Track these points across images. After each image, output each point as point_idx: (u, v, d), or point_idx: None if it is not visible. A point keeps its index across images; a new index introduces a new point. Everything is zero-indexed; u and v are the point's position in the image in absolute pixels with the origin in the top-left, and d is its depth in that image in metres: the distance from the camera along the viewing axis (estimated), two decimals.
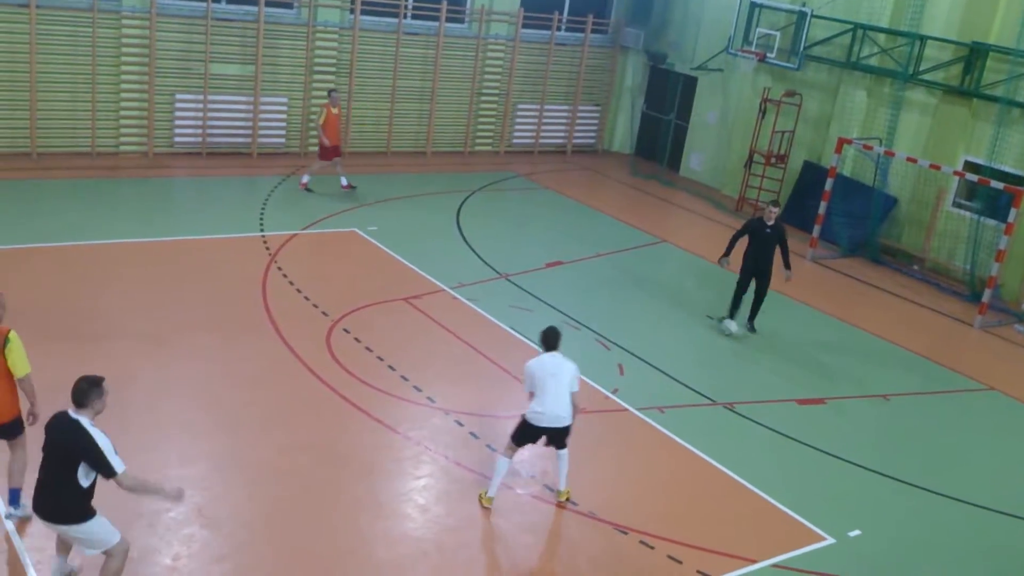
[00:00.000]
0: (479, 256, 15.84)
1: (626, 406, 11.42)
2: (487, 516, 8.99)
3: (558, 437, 8.98)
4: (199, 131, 19.05)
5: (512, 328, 13.13)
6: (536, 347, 12.50)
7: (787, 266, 13.94)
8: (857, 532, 9.51)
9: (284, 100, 19.83)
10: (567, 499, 9.25)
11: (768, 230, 13.77)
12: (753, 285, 14.05)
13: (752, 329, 14.31)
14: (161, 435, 9.51)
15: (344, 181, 18.10)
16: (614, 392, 11.72)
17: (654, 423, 11.12)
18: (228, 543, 8.13)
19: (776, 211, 13.86)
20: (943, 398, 13.08)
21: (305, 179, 17.83)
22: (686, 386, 12.17)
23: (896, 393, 12.92)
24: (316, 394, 10.70)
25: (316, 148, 19.27)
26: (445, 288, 14.20)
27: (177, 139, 19.05)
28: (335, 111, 17.60)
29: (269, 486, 8.98)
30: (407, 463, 9.71)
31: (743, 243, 14.00)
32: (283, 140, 20.05)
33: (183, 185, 17.66)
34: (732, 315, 14.19)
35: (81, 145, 17.99)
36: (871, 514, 9.89)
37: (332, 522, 8.58)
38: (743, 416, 11.61)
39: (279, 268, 14.05)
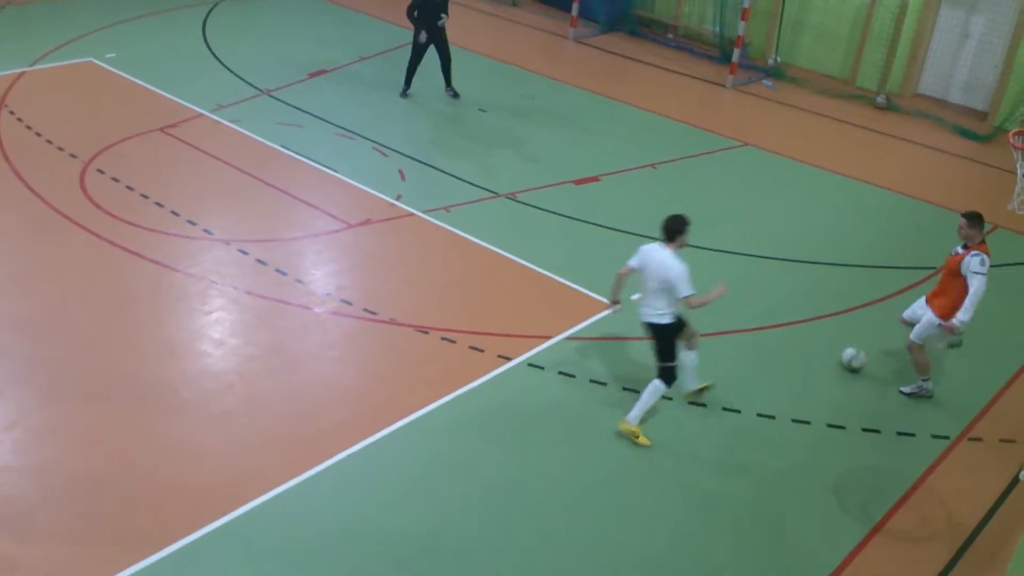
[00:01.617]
0: (235, 73, 14.91)
1: (412, 211, 11.38)
2: (290, 340, 8.90)
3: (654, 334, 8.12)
4: None
5: (283, 147, 12.61)
6: (312, 163, 12.23)
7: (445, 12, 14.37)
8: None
9: None
10: (628, 434, 8.06)
11: None
12: (433, 52, 14.57)
13: (454, 93, 14.79)
14: None
15: None
16: (398, 198, 11.62)
17: (441, 223, 11.17)
18: (14, 409, 7.70)
19: None
20: (705, 159, 13.81)
21: None
22: (467, 182, 12.23)
23: (663, 161, 13.52)
24: (79, 243, 9.99)
25: None
26: (203, 112, 13.35)
27: None
28: None
29: (47, 345, 8.47)
30: (194, 300, 9.37)
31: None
32: None
33: None
34: (409, 85, 14.64)
35: None
36: None
37: (125, 370, 8.26)
38: (525, 204, 11.85)
39: (11, 112, 12.70)
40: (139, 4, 17.60)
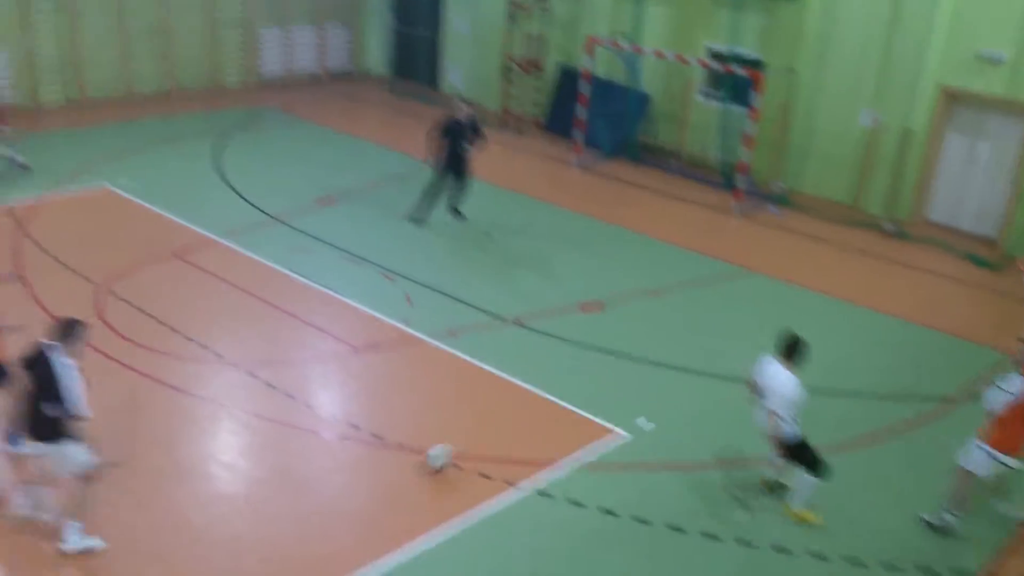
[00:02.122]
0: (246, 200, 15.27)
1: (419, 335, 11.49)
2: (298, 463, 8.89)
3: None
4: None
5: (292, 271, 12.83)
6: (320, 287, 12.40)
7: (472, 144, 14.69)
8: (649, 424, 10.08)
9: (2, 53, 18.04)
10: (797, 519, 8.64)
11: (463, 125, 14.53)
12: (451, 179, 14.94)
13: (461, 215, 15.06)
14: None
15: (18, 158, 15.57)
16: (404, 323, 11.75)
17: (448, 348, 11.26)
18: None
19: (464, 106, 14.66)
20: (710, 285, 13.94)
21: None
22: (474, 307, 12.37)
23: (668, 287, 13.66)
24: (95, 366, 10.00)
25: (49, 100, 17.89)
26: (216, 238, 13.63)
27: None
28: None
29: None
30: (205, 423, 9.43)
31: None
32: (8, 92, 18.26)
33: None
34: (426, 215, 14.87)
35: None
36: (659, 403, 10.49)
37: (137, 494, 8.26)
38: (532, 329, 11.96)
39: (30, 237, 12.98)
40: (152, 133, 18.14)
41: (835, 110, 17.41)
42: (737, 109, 17.94)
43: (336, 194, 15.91)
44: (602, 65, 19.79)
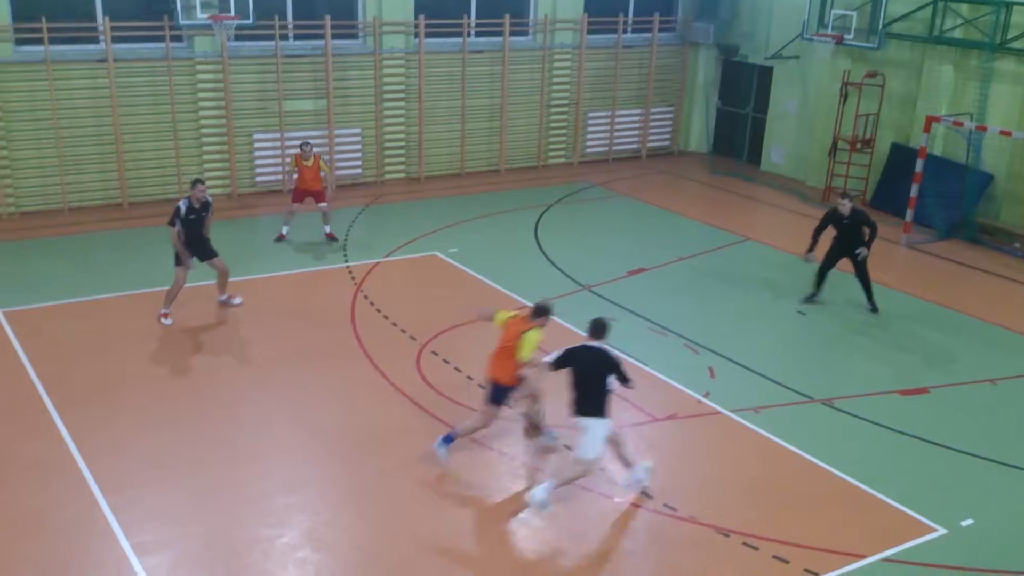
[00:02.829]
0: (560, 270, 15.78)
1: (719, 409, 11.21)
2: (590, 526, 8.94)
3: None
4: (279, 168, 19.45)
5: None
6: (630, 358, 12.42)
7: (866, 245, 13.98)
8: (970, 521, 9.13)
9: (358, 131, 20.13)
10: None
11: (846, 220, 13.91)
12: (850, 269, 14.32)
13: (874, 309, 14.32)
14: (268, 463, 9.83)
15: (327, 228, 16.88)
16: (705, 396, 11.52)
17: (749, 424, 10.88)
18: (340, 565, 8.32)
19: (847, 203, 13.96)
20: None
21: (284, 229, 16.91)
22: (780, 384, 11.89)
23: (1004, 377, 12.38)
24: (410, 416, 10.81)
25: (392, 176, 19.67)
26: (529, 304, 14.13)
27: (259, 178, 19.50)
28: (307, 163, 16.33)
29: (374, 509, 9.17)
30: (504, 479, 9.74)
31: (828, 232, 14.26)
32: (360, 171, 20.35)
33: (268, 223, 18.00)
34: (817, 293, 14.49)
35: (169, 192, 18.46)
36: (984, 502, 9.50)
37: (438, 538, 8.72)
38: (842, 411, 11.27)
39: (366, 296, 14.23)
40: (483, 205, 19.32)
41: None
42: None
43: (647, 266, 16.04)
44: (939, 143, 18.68)
